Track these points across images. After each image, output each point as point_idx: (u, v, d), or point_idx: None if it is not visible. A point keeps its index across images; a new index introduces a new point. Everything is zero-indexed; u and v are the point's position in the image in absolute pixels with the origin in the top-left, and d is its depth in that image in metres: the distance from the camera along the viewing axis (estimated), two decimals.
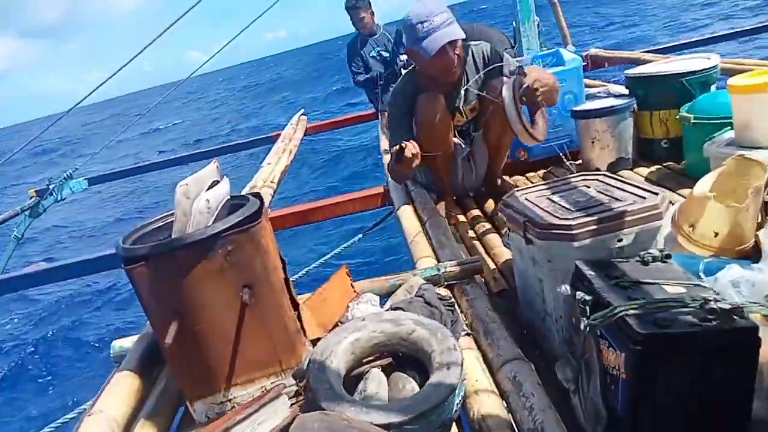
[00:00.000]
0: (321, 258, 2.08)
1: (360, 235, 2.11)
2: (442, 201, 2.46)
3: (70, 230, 8.54)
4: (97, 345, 4.80)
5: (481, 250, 2.07)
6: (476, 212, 2.44)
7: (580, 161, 2.64)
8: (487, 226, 2.25)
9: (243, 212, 1.16)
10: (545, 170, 2.77)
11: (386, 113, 2.38)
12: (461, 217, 2.43)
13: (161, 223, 1.22)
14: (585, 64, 4.99)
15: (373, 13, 4.58)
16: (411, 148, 2.01)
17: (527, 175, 2.79)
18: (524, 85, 1.91)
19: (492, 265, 1.92)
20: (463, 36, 2.04)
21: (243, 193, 3.06)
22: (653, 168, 2.41)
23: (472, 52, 2.26)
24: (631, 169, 2.48)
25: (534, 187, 1.47)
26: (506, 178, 2.69)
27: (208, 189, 1.17)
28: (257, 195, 1.30)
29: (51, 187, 5.06)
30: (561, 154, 2.32)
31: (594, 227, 1.20)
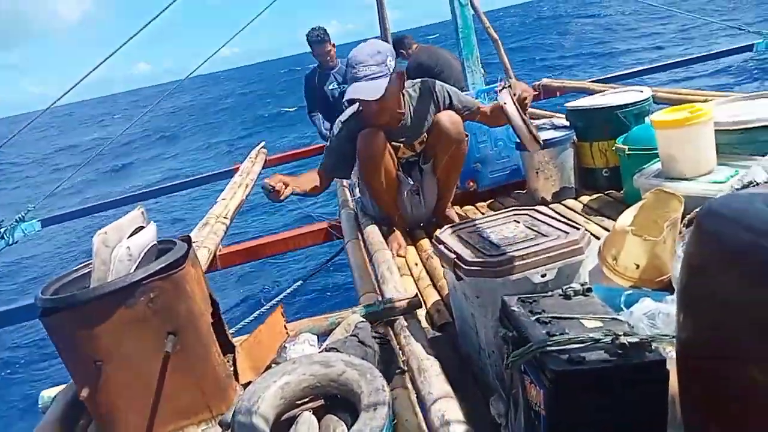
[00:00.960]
0: (271, 300, 2.05)
1: (307, 275, 2.10)
2: (392, 233, 2.48)
3: (20, 273, 8.26)
4: (28, 395, 4.59)
5: (428, 282, 2.09)
6: (426, 243, 2.46)
7: (526, 191, 2.70)
8: (435, 257, 2.27)
9: (167, 258, 1.15)
10: (493, 200, 2.82)
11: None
12: (411, 249, 2.45)
13: (82, 273, 1.20)
14: (537, 93, 5.16)
15: (334, 45, 4.56)
16: (271, 184, 2.06)
17: (476, 204, 2.84)
18: (516, 96, 1.94)
19: (437, 298, 1.93)
20: (378, 95, 2.04)
21: (194, 231, 3.02)
22: (595, 196, 2.49)
23: (408, 90, 2.31)
24: (575, 198, 2.54)
25: (466, 223, 1.49)
26: (456, 208, 2.73)
27: (130, 236, 1.16)
28: (186, 238, 1.29)
29: (2, 230, 4.90)
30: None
31: (518, 263, 1.22)
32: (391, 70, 2.09)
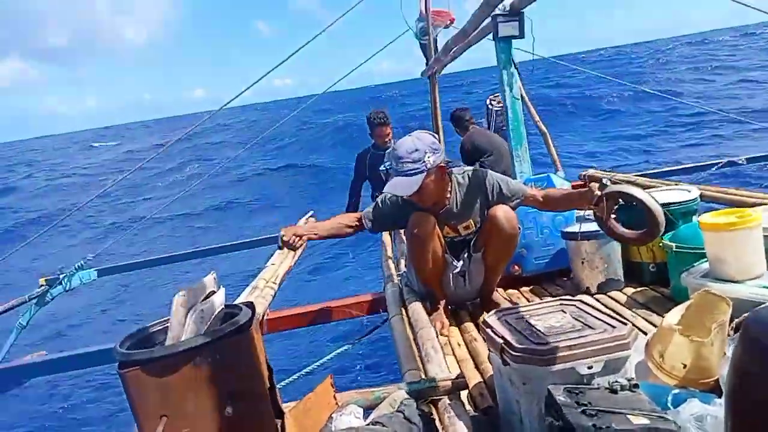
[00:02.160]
0: (312, 364, 2.12)
1: (347, 345, 2.16)
2: (436, 311, 2.52)
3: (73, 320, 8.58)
4: None
5: (471, 364, 2.10)
6: (470, 325, 2.49)
7: (570, 278, 2.72)
8: (479, 339, 2.29)
9: (233, 323, 1.24)
10: (537, 286, 2.84)
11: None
12: (454, 329, 2.48)
13: (157, 329, 1.30)
14: (583, 183, 5.23)
15: (392, 128, 4.68)
16: (284, 238, 2.34)
17: (520, 289, 2.86)
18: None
19: (479, 380, 1.94)
20: (411, 192, 2.23)
21: (244, 294, 3.14)
22: (641, 290, 2.49)
23: (457, 177, 2.43)
24: (621, 290, 2.55)
25: (514, 309, 1.54)
26: (500, 291, 2.76)
27: (204, 299, 1.26)
28: (250, 305, 1.39)
29: (61, 276, 5.18)
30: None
31: (566, 353, 1.26)
32: (429, 166, 2.22)
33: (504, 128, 3.34)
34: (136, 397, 1.16)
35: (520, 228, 2.40)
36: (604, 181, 2.12)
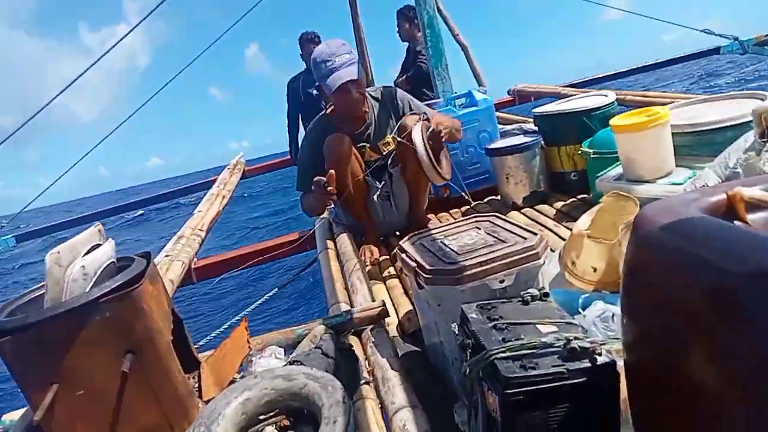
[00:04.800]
0: (243, 310, 2.05)
1: (276, 288, 2.11)
2: (365, 242, 2.48)
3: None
4: None
5: (401, 290, 2.09)
6: None
7: (498, 196, 2.72)
8: (402, 267, 2.27)
9: (123, 276, 1.14)
10: (467, 206, 2.84)
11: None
12: (385, 258, 2.45)
13: (36, 294, 1.19)
14: (512, 98, 5.22)
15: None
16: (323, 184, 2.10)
17: (451, 211, 2.85)
18: (430, 129, 2.02)
19: (409, 306, 1.93)
20: (362, 76, 2.18)
21: (169, 244, 2.99)
22: (565, 200, 2.51)
23: (371, 94, 2.37)
24: (546, 202, 2.57)
25: (428, 231, 1.50)
26: (431, 215, 2.74)
27: (86, 254, 1.15)
28: (146, 255, 1.29)
29: None
30: (462, 193, 2.44)
31: (477, 270, 1.23)
32: (358, 59, 2.20)
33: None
34: (16, 367, 1.06)
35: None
36: (421, 117, 2.16)
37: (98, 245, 1.21)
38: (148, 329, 1.16)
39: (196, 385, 1.37)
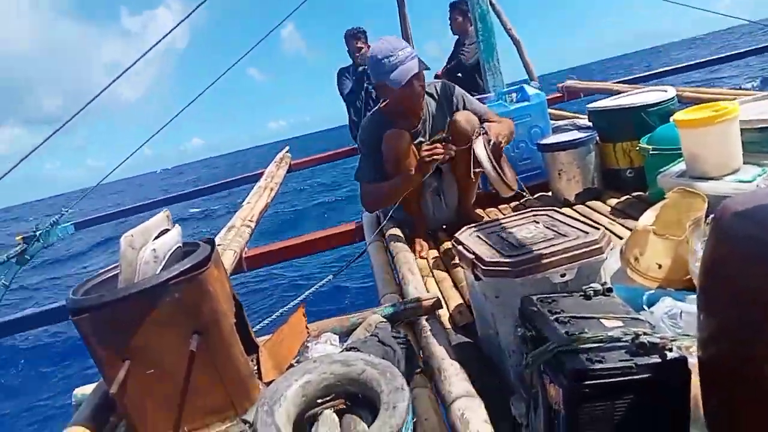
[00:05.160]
0: (295, 298, 2.09)
1: (328, 277, 2.13)
2: (415, 235, 2.49)
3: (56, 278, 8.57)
4: (63, 392, 4.75)
5: (450, 283, 2.09)
6: (448, 245, 2.46)
7: (550, 192, 2.68)
8: (458, 259, 2.27)
9: (191, 259, 1.18)
10: (516, 202, 2.81)
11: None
12: (433, 252, 2.45)
13: (110, 275, 1.24)
14: (561, 94, 5.12)
15: (370, 47, 4.69)
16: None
17: (499, 207, 2.83)
18: (491, 143, 2.03)
19: (459, 299, 1.93)
20: (425, 68, 2.17)
21: (221, 234, 3.07)
22: (620, 197, 2.45)
23: (426, 90, 2.36)
24: (599, 199, 2.52)
25: (485, 223, 1.49)
26: (479, 210, 2.72)
27: (156, 238, 1.19)
28: (210, 241, 1.32)
29: (38, 233, 5.08)
30: (520, 190, 2.40)
31: (538, 263, 1.22)
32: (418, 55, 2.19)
33: None
34: (92, 344, 1.12)
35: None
36: (479, 130, 2.14)
37: (167, 230, 1.25)
38: (213, 311, 1.19)
39: (255, 367, 1.40)
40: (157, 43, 2.68)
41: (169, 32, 2.73)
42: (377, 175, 2.34)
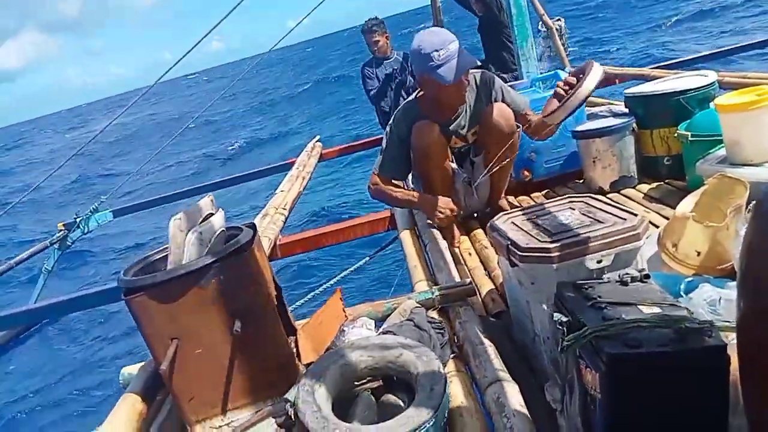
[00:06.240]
0: (327, 282, 2.14)
1: (361, 262, 2.17)
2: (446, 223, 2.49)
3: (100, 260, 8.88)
4: (111, 371, 4.94)
5: (482, 271, 2.10)
6: (480, 233, 2.47)
7: (583, 180, 2.66)
8: (490, 246, 2.27)
9: (235, 242, 1.22)
10: (548, 190, 2.79)
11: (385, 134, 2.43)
12: (465, 239, 2.46)
13: (158, 257, 1.29)
14: None
15: (388, 37, 4.65)
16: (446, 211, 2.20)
17: (531, 195, 2.81)
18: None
19: (491, 286, 1.94)
20: (475, 65, 2.10)
21: (255, 220, 3.14)
22: (656, 185, 2.42)
23: (479, 79, 2.31)
24: (634, 188, 2.48)
25: (520, 210, 1.50)
26: (510, 198, 2.71)
27: (201, 222, 1.24)
28: (252, 225, 1.37)
29: (78, 220, 5.27)
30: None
31: (573, 249, 1.23)
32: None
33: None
34: (144, 322, 1.17)
35: (519, 126, 2.29)
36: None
37: (211, 214, 1.30)
38: (256, 293, 1.24)
39: (294, 349, 1.45)
40: None
41: None
42: (395, 169, 2.36)
